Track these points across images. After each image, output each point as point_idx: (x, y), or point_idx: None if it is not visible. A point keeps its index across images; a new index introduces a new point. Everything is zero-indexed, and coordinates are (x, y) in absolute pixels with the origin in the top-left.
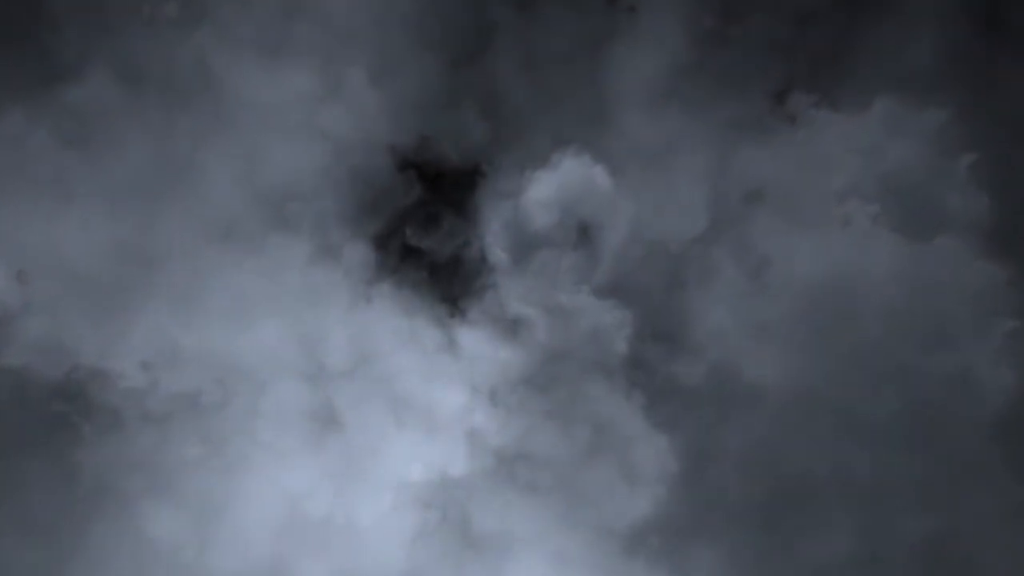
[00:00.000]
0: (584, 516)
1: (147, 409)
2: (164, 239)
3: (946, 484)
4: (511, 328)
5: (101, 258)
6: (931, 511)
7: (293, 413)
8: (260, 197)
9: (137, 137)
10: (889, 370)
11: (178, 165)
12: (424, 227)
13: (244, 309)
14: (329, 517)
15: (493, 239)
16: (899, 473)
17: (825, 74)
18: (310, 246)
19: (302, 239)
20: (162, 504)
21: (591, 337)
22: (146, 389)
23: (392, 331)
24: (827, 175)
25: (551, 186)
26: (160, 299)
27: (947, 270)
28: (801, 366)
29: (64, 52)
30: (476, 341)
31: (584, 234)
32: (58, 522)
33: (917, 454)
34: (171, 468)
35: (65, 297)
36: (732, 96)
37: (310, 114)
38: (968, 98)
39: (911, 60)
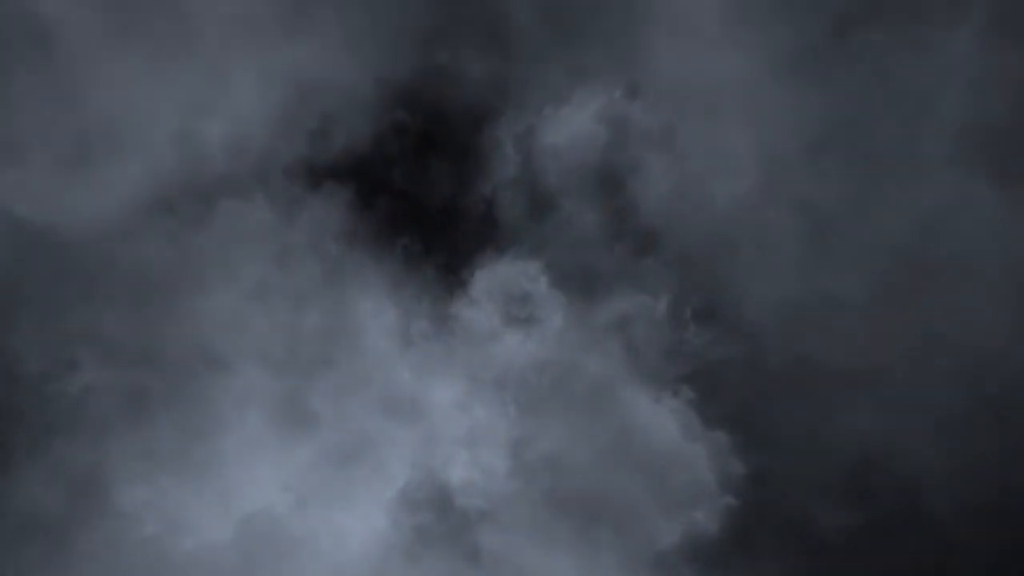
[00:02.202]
0: (609, 536)
1: (81, 417)
2: (85, 210)
3: None
4: (522, 304)
5: (10, 242)
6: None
7: (257, 411)
8: (206, 153)
9: (43, 88)
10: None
11: (100, 119)
12: (416, 180)
13: (191, 289)
14: (304, 534)
15: (502, 193)
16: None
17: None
18: (272, 209)
19: (261, 201)
20: (106, 530)
21: (620, 316)
22: (78, 394)
23: (375, 309)
24: (898, 120)
25: (574, 126)
26: (86, 284)
27: None
28: (875, 348)
29: None
30: (479, 321)
31: (614, 186)
32: None
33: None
34: (113, 486)
35: None
36: (788, 27)
37: (272, 44)
38: None
39: None
